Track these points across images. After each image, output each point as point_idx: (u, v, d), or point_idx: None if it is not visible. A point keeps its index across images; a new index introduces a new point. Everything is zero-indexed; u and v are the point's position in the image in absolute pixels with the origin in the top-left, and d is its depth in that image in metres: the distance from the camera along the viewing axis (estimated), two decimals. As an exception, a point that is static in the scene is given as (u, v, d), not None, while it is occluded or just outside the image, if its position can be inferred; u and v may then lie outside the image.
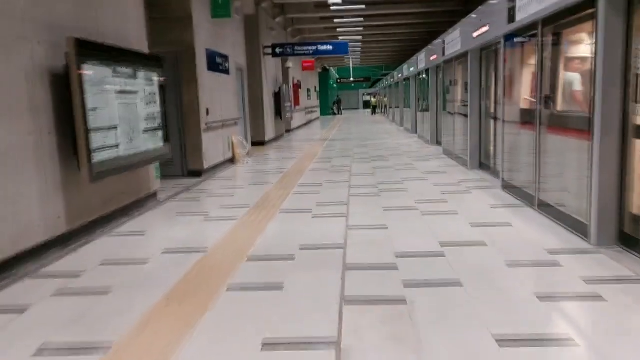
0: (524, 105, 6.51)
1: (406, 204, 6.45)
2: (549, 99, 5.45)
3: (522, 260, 4.07)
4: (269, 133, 16.46)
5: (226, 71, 11.29)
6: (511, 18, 6.40)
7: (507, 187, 6.94)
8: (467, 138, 9.36)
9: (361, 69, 52.40)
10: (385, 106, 38.07)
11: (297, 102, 23.02)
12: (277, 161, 11.87)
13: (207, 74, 9.91)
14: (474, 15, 8.57)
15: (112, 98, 5.43)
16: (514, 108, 6.83)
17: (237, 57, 12.41)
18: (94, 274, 4.14)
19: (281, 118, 17.87)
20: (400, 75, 22.76)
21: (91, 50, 5.05)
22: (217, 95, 10.57)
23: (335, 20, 20.71)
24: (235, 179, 9.37)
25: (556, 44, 5.33)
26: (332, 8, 17.85)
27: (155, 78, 6.68)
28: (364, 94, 68.08)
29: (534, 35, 5.83)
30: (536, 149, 5.74)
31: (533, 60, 6.42)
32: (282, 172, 9.89)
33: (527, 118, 6.24)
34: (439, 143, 13.79)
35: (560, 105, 5.34)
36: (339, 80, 50.14)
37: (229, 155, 11.34)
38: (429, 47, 13.78)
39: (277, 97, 17.63)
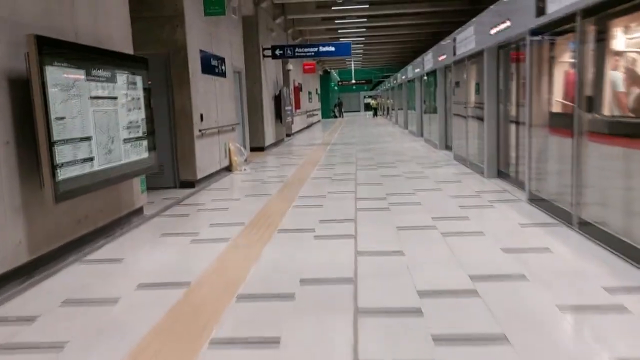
0: (556, 108, 5.77)
1: (422, 222, 5.70)
2: (591, 102, 4.70)
3: (578, 304, 3.32)
4: (269, 138, 15.74)
5: (222, 74, 10.57)
6: (540, 10, 5.66)
7: (535, 200, 6.19)
8: (483, 143, 8.61)
9: (362, 71, 51.67)
10: (388, 108, 37.37)
11: (297, 105, 22.30)
12: (276, 168, 11.14)
13: (201, 76, 9.18)
14: (492, 10, 7.83)
15: (85, 105, 4.70)
16: (542, 111, 6.08)
17: (234, 59, 11.69)
18: (50, 320, 3.40)
19: (281, 122, 17.15)
20: (404, 77, 22.03)
21: (58, 49, 4.31)
22: (213, 100, 9.85)
23: (337, 21, 19.99)
24: (231, 190, 8.63)
25: (601, 37, 4.59)
26: (334, 8, 17.14)
27: (140, 81, 5.95)
28: (365, 97, 67.44)
29: (570, 29, 5.09)
30: (574, 159, 4.99)
31: (567, 57, 5.68)
32: (282, 181, 9.15)
33: (561, 123, 5.49)
34: (448, 147, 13.05)
35: (606, 109, 4.59)
36: (340, 83, 49.42)
37: (226, 162, 10.61)
38: (437, 46, 13.04)
39: (278, 100, 16.90)
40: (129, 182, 6.11)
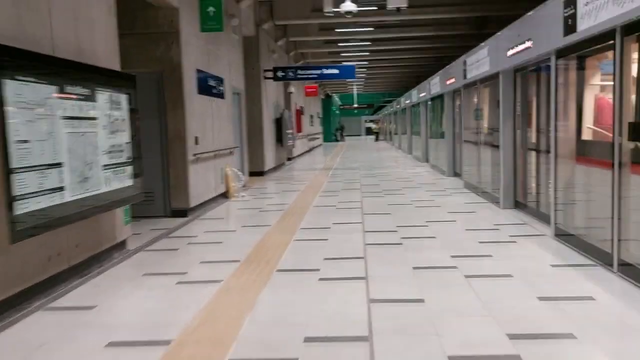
0: (587, 136, 5.17)
1: (440, 260, 5.06)
2: (636, 129, 4.10)
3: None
4: (269, 162, 15.15)
5: (220, 95, 10.03)
6: (569, 29, 5.10)
7: (562, 235, 5.55)
8: (497, 171, 8.01)
9: (364, 96, 51.46)
10: (390, 133, 36.94)
11: (299, 128, 21.79)
12: (276, 195, 10.52)
13: (197, 97, 8.63)
14: (508, 31, 7.31)
15: (57, 126, 4.10)
16: (569, 139, 5.49)
17: (233, 79, 11.17)
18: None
19: (282, 146, 16.59)
20: (408, 102, 21.58)
21: (22, 61, 3.73)
22: (210, 122, 9.28)
23: (340, 44, 19.60)
24: (226, 220, 7.99)
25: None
26: (337, 30, 16.74)
27: (125, 101, 5.37)
28: (366, 121, 67.23)
29: (606, 48, 4.53)
30: (614, 192, 4.37)
31: (598, 80, 5.12)
32: (282, 209, 8.52)
33: (592, 151, 4.90)
34: (456, 174, 12.45)
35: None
36: (341, 107, 49.16)
37: (222, 189, 9.99)
38: (445, 70, 12.54)
39: (279, 123, 16.37)
40: (109, 213, 5.48)
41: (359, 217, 7.57)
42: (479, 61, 8.73)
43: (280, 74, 14.63)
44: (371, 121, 65.00)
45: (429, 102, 15.64)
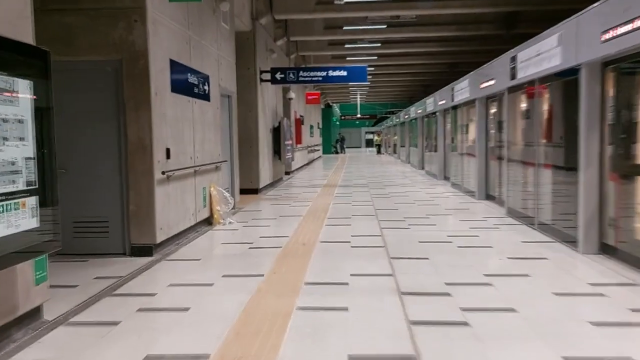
0: None
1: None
2: None
3: None
4: (264, 178, 13.07)
5: (205, 96, 7.96)
6: None
7: None
8: (569, 200, 5.95)
9: (366, 106, 49.47)
10: (394, 145, 34.95)
11: (299, 139, 19.74)
12: (272, 222, 8.41)
13: (171, 97, 6.56)
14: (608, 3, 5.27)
15: None
16: None
17: (223, 79, 9.12)
18: None
19: (280, 159, 14.52)
20: (420, 111, 19.56)
21: None
22: (189, 129, 7.20)
23: (348, 45, 17.61)
24: (204, 262, 5.86)
25: None
26: (345, 28, 14.75)
27: (28, 91, 3.30)
28: (366, 132, 65.29)
29: None
30: None
31: None
32: (279, 245, 6.43)
33: None
34: (489, 197, 10.39)
35: None
36: (342, 117, 47.21)
37: (205, 213, 7.89)
38: (478, 72, 10.50)
39: (277, 133, 14.30)
40: (10, 271, 3.39)
41: (385, 263, 5.48)
42: (541, 54, 6.68)
43: (279, 75, 12.59)
44: (372, 133, 63.21)
45: (451, 111, 13.60)
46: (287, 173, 17.76)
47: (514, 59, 7.84)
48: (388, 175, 18.30)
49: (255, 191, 12.26)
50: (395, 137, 33.42)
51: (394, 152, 34.37)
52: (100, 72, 5.91)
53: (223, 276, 5.14)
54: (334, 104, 43.47)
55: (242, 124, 11.52)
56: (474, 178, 10.91)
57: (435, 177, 16.07)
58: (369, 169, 22.01)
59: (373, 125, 58.40)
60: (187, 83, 7.18)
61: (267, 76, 12.65)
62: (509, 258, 5.67)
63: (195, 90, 7.53)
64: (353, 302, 4.23)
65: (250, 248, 6.41)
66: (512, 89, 8.17)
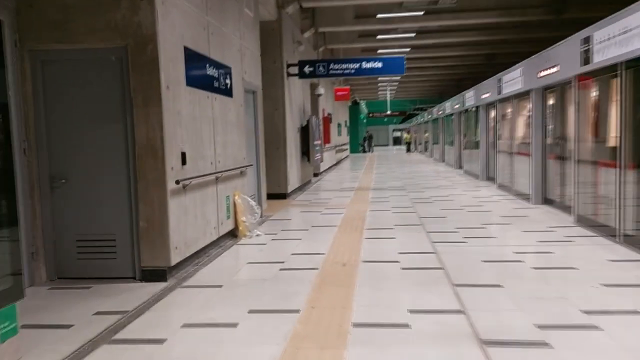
0: None
1: None
2: None
3: None
4: (293, 182, 12.06)
5: (226, 91, 6.98)
6: None
7: None
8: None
9: (394, 103, 48.06)
10: (425, 143, 33.63)
11: (327, 139, 18.67)
12: (304, 234, 7.38)
13: (187, 91, 5.59)
14: None
15: None
16: None
17: (247, 72, 8.13)
18: None
19: (309, 160, 13.49)
20: (457, 106, 18.30)
21: None
22: (208, 130, 6.22)
23: (380, 37, 16.46)
24: (227, 290, 4.85)
25: None
26: (379, 17, 13.62)
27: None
28: (393, 130, 63.79)
29: None
30: None
31: None
32: (316, 265, 5.41)
33: None
34: (547, 201, 9.17)
35: None
36: (370, 115, 45.94)
37: (229, 225, 6.91)
38: (538, 58, 9.25)
39: (305, 132, 13.28)
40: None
41: (449, 293, 4.40)
42: (631, 31, 5.48)
43: (307, 69, 11.56)
44: (400, 130, 61.68)
45: (498, 104, 12.37)
46: (315, 175, 16.74)
47: (587, 40, 6.63)
48: (424, 175, 17.11)
49: (283, 196, 11.26)
50: (427, 135, 32.12)
51: (425, 150, 33.07)
52: (102, 63, 4.96)
53: (250, 312, 4.12)
54: (361, 101, 42.22)
55: (267, 122, 10.54)
56: (529, 179, 9.70)
57: (476, 178, 14.84)
58: (401, 168, 20.83)
59: (400, 123, 56.98)
60: (206, 76, 6.20)
61: (295, 70, 11.64)
62: (604, 285, 4.52)
63: (216, 84, 6.54)
64: (418, 354, 3.16)
65: (281, 270, 5.39)
66: (584, 76, 6.96)
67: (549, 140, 9.13)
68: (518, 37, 16.69)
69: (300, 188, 13.14)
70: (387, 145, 60.99)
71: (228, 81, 7.08)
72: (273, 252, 6.35)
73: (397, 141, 64.00)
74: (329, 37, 16.96)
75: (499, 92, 11.76)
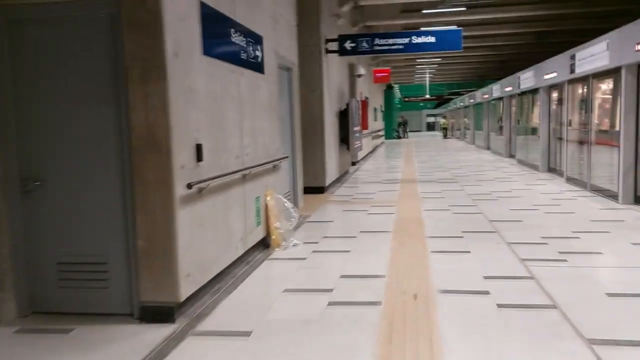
0: None
1: None
2: None
3: None
4: (331, 173, 10.65)
5: (256, 66, 5.56)
6: None
7: None
8: None
9: (430, 87, 45.92)
10: (463, 128, 31.77)
11: (364, 124, 17.11)
12: (351, 244, 5.93)
13: (203, 62, 4.19)
14: None
15: None
16: None
17: (280, 45, 6.70)
18: None
19: (348, 148, 12.04)
20: (509, 89, 16.52)
21: None
22: (233, 114, 4.83)
23: (425, 11, 14.78)
24: (256, 343, 3.45)
25: None
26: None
27: None
28: (427, 115, 61.60)
29: None
30: None
31: None
32: (376, 301, 3.97)
33: None
34: (638, 200, 7.55)
35: None
36: (405, 99, 44.06)
37: (259, 234, 5.53)
38: (630, 28, 7.58)
39: (344, 117, 11.81)
40: None
41: (580, 352, 2.93)
42: None
43: (349, 45, 10.08)
44: (434, 115, 59.53)
45: (567, 85, 10.66)
46: (353, 163, 15.29)
47: None
48: (470, 165, 15.46)
49: (320, 190, 9.86)
50: (466, 120, 30.24)
51: (464, 136, 31.23)
52: (87, 22, 3.59)
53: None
54: (395, 85, 40.34)
55: (303, 106, 9.10)
56: (616, 174, 8.04)
57: (534, 169, 13.14)
58: (443, 157, 19.17)
59: (434, 108, 54.77)
60: (230, 43, 4.79)
61: (334, 46, 10.16)
62: None
63: (243, 55, 5.13)
64: None
65: (330, 304, 3.97)
66: None
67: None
68: (580, 12, 14.78)
69: (339, 180, 11.71)
70: (420, 130, 58.91)
71: (258, 53, 5.66)
72: (316, 271, 4.95)
73: (430, 127, 61.90)
74: (368, 12, 15.35)
75: (572, 71, 10.03)
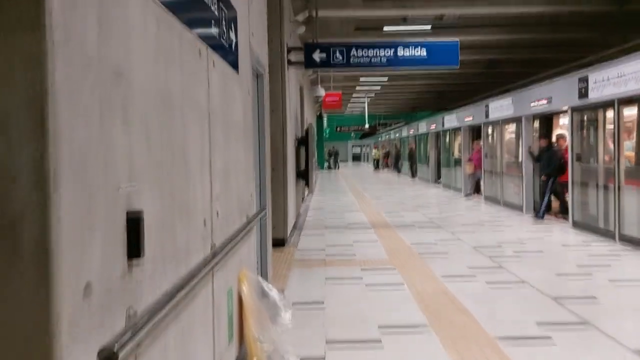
0: None
1: None
2: None
3: None
4: (291, 218, 8.25)
5: (230, 55, 3.13)
6: None
7: None
8: None
9: (355, 118, 44.73)
10: (396, 160, 30.54)
11: (311, 155, 14.92)
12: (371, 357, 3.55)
13: (148, 12, 1.71)
14: None
15: None
16: None
17: (254, 36, 4.28)
18: None
19: (307, 185, 9.74)
20: (467, 119, 14.97)
21: None
22: (196, 140, 2.35)
23: (387, 29, 12.91)
24: None
25: None
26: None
27: None
28: (353, 145, 60.89)
29: None
30: None
31: None
32: None
33: None
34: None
35: None
36: (338, 129, 42.67)
37: (231, 354, 3.01)
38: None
39: (303, 146, 9.50)
40: None
41: None
42: None
43: (318, 55, 7.84)
44: (360, 146, 58.86)
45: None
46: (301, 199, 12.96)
47: None
48: (436, 203, 13.64)
49: (281, 242, 7.41)
50: (401, 151, 28.97)
51: (395, 168, 30.05)
52: None
53: None
54: (325, 114, 38.73)
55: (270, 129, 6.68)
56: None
57: (517, 210, 11.45)
58: (395, 192, 17.36)
59: (360, 139, 53.83)
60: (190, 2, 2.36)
61: (299, 57, 7.89)
62: None
63: (214, 29, 2.71)
64: None
65: None
66: None
67: None
68: (535, 38, 13.62)
69: (295, 225, 9.32)
70: (346, 161, 57.89)
71: (232, 36, 3.25)
72: None
73: (356, 157, 61.18)
74: (321, 27, 13.28)
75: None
